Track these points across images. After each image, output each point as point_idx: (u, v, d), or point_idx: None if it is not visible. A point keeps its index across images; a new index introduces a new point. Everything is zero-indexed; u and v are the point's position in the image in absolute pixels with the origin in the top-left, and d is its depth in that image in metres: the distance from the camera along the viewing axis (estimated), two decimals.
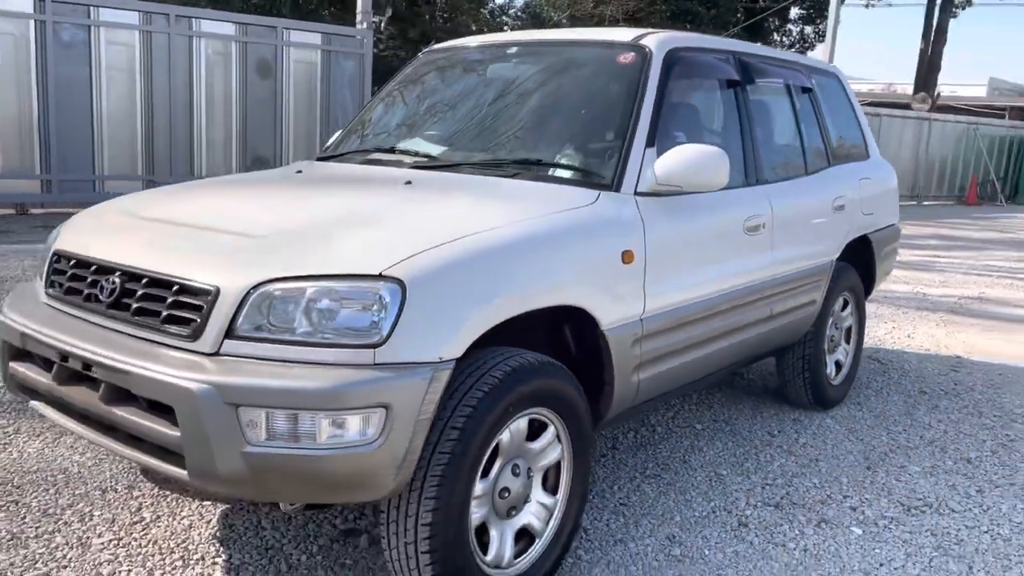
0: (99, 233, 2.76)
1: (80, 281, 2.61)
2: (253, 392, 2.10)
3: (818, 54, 25.16)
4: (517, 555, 2.58)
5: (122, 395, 2.33)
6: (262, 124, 11.84)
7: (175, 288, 2.34)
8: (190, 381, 2.13)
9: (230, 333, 2.21)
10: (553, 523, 2.66)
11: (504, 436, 2.43)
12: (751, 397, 4.81)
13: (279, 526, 3.07)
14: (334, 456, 2.10)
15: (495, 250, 2.40)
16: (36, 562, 2.74)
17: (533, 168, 3.10)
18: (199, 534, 2.99)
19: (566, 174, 3.04)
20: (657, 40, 3.35)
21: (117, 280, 2.46)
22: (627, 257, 2.81)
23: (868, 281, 4.89)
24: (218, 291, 2.24)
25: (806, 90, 4.34)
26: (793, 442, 4.17)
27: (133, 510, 3.14)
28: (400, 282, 2.18)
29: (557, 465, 2.67)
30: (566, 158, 3.11)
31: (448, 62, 3.92)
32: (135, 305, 2.40)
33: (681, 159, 2.95)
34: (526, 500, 2.59)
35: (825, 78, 4.68)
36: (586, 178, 2.99)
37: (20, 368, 2.69)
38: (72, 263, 2.67)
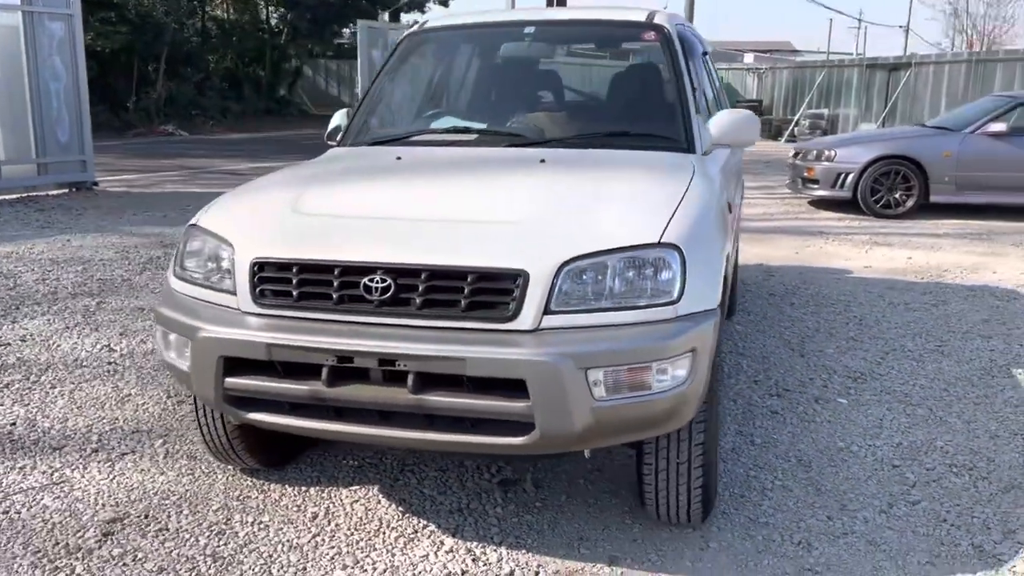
0: (316, 237, 2.75)
1: (322, 285, 2.64)
2: (599, 356, 2.43)
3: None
4: None
5: (432, 382, 2.50)
6: None
7: (471, 277, 2.53)
8: (542, 355, 2.40)
9: (547, 309, 2.50)
10: None
11: None
12: None
13: (442, 488, 3.31)
14: (662, 398, 2.51)
15: (707, 208, 2.88)
16: None
17: (623, 139, 3.56)
18: (388, 514, 3.15)
19: (656, 142, 3.54)
20: (665, 18, 3.93)
21: (388, 279, 2.57)
22: None
23: None
24: (527, 274, 2.50)
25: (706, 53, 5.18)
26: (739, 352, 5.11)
27: (311, 509, 3.18)
28: (676, 246, 2.61)
29: None
30: (651, 128, 3.60)
31: (461, 40, 4.12)
32: (421, 299, 2.54)
33: (729, 122, 3.59)
34: None
35: None
36: (671, 144, 3.52)
37: (243, 382, 2.67)
38: (297, 269, 2.67)
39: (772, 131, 22.85)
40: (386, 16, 29.90)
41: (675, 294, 2.55)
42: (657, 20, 3.90)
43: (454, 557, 2.87)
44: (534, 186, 3.00)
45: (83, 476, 3.43)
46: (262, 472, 3.44)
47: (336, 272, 2.62)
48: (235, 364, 2.67)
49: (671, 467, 2.79)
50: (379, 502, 3.23)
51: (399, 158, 3.43)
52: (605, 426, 2.50)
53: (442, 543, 2.96)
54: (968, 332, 5.50)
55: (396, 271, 2.57)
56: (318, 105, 36.67)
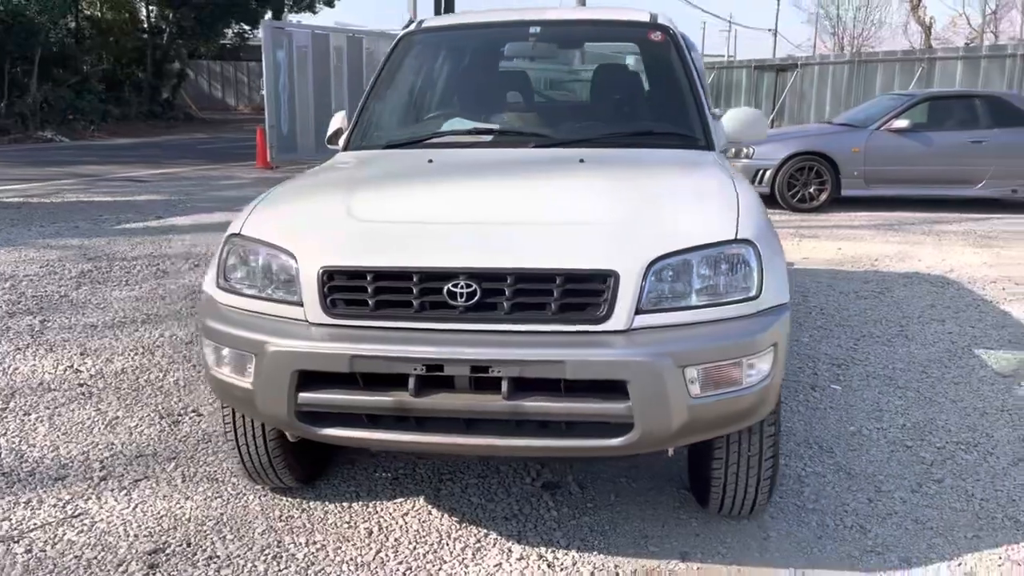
0: (388, 244, 2.63)
1: (401, 293, 2.55)
2: (695, 353, 2.45)
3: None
4: None
5: (526, 387, 2.46)
6: None
7: (560, 280, 2.49)
8: (643, 355, 2.40)
9: (637, 309, 2.49)
10: None
11: None
12: None
13: (488, 495, 3.26)
14: (750, 393, 2.55)
15: (758, 203, 2.93)
16: None
17: (648, 138, 3.59)
18: (444, 525, 3.08)
19: (678, 140, 3.59)
20: (665, 19, 3.99)
21: (473, 284, 2.50)
22: None
23: None
24: (617, 274, 2.49)
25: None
26: None
27: (362, 525, 3.07)
28: (751, 242, 2.65)
29: None
30: (673, 127, 3.64)
31: (463, 40, 4.06)
32: (510, 303, 2.49)
33: (741, 119, 3.68)
34: None
35: None
36: (692, 142, 3.58)
37: (320, 396, 2.55)
38: (372, 277, 2.57)
39: None
40: (268, 15, 29.08)
41: (755, 289, 2.60)
42: (661, 21, 3.95)
43: (528, 564, 2.83)
44: (595, 187, 2.99)
45: (100, 507, 3.20)
46: (294, 491, 3.30)
47: (416, 279, 2.54)
48: (309, 378, 2.55)
49: (742, 460, 2.84)
50: (430, 513, 3.16)
51: (431, 161, 3.35)
52: (698, 423, 2.51)
53: (510, 550, 2.91)
54: (921, 317, 5.82)
55: (480, 276, 2.51)
56: (203, 108, 35.41)
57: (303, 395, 2.56)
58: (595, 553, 2.89)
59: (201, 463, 3.55)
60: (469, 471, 3.46)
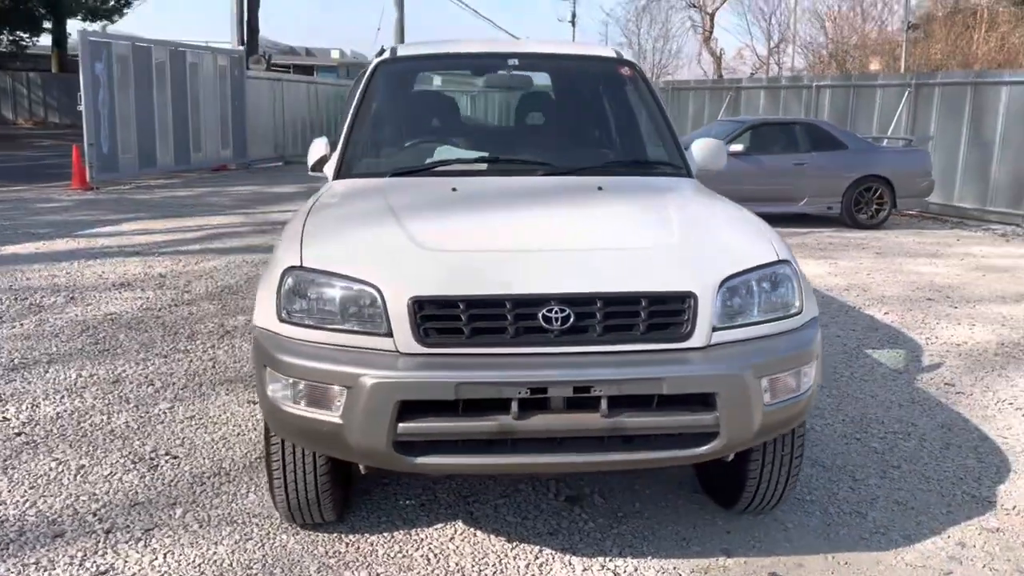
0: (475, 273, 2.68)
1: (495, 319, 2.62)
2: (769, 364, 2.71)
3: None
4: None
5: (622, 404, 2.61)
6: None
7: (645, 302, 2.68)
8: (731, 368, 2.63)
9: (713, 327, 2.72)
10: None
11: None
12: None
13: (522, 513, 3.37)
14: (804, 398, 2.85)
15: (769, 226, 3.26)
16: None
17: (642, 166, 3.84)
18: (495, 545, 3.15)
19: (668, 168, 3.86)
20: (628, 53, 4.28)
21: (566, 309, 2.63)
22: None
23: None
24: (695, 295, 2.71)
25: None
26: None
27: (415, 554, 3.08)
28: (789, 263, 2.96)
29: None
30: (658, 155, 3.91)
31: (442, 69, 4.14)
32: (601, 325, 2.64)
33: (707, 149, 4.01)
34: None
35: None
36: (676, 170, 3.87)
37: (422, 425, 2.58)
38: (465, 306, 2.62)
39: None
40: (82, 24, 26.95)
41: (798, 304, 2.91)
42: (625, 56, 4.23)
43: (595, 574, 2.97)
44: (637, 213, 3.21)
45: (125, 561, 3.01)
46: (325, 527, 3.24)
47: (509, 306, 2.63)
48: (409, 408, 2.57)
49: (776, 459, 3.13)
50: (475, 535, 3.22)
51: (455, 189, 3.41)
52: (767, 428, 2.77)
53: (571, 563, 3.04)
54: None
55: (572, 301, 2.65)
56: None
57: (403, 425, 2.57)
58: (649, 558, 3.08)
59: (208, 506, 3.40)
60: (489, 492, 3.54)
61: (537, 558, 3.07)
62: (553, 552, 3.11)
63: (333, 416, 2.62)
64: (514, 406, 2.56)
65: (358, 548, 3.11)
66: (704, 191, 3.64)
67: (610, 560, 3.06)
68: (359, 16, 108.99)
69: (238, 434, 4.12)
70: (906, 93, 14.44)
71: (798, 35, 28.01)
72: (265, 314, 2.83)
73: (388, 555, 3.07)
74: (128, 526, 3.23)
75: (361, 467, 2.91)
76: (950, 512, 3.48)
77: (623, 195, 3.45)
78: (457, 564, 3.02)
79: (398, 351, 2.63)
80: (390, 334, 2.64)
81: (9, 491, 3.49)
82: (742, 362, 2.66)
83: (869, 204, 11.87)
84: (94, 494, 3.49)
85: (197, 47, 17.90)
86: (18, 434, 4.07)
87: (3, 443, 3.95)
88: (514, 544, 3.16)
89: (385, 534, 3.21)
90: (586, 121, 4.11)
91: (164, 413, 4.36)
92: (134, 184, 15.35)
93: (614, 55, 4.25)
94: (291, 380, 2.67)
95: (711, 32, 31.34)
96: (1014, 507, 3.53)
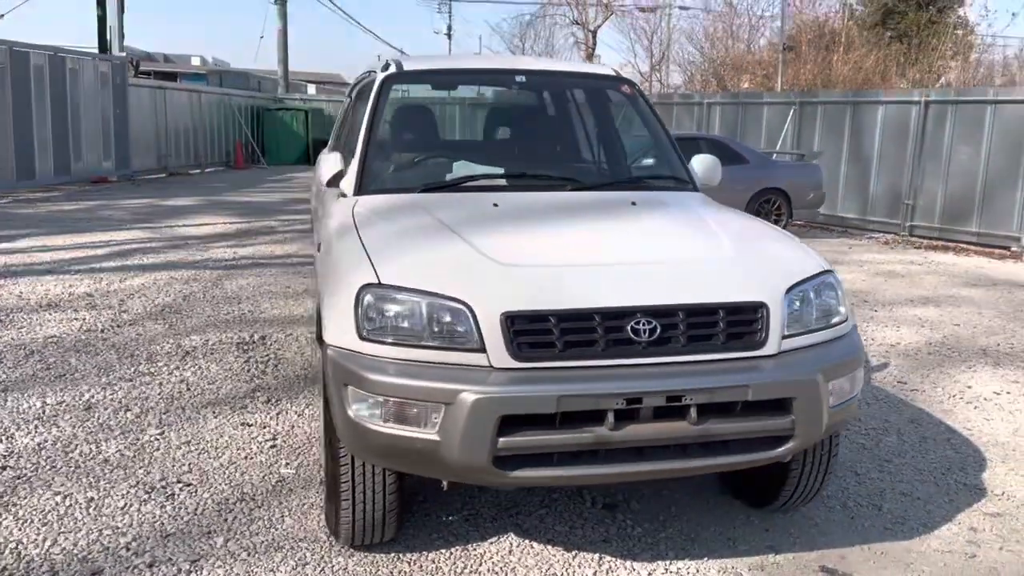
0: (561, 288, 2.71)
1: (585, 332, 2.67)
2: (835, 368, 2.87)
3: None
4: None
5: (713, 411, 2.72)
6: None
7: (723, 312, 2.79)
8: (807, 373, 2.78)
9: (782, 335, 2.87)
10: None
11: None
12: None
13: (569, 523, 3.42)
14: (856, 399, 3.04)
15: None
16: None
17: (658, 180, 3.96)
18: (555, 556, 3.19)
19: (679, 183, 4.00)
20: (626, 73, 4.43)
21: (653, 321, 2.72)
22: None
23: None
24: (766, 305, 2.85)
25: None
26: None
27: (481, 569, 3.08)
28: (832, 272, 3.16)
29: None
30: (668, 170, 4.03)
31: (451, 85, 4.14)
32: (685, 336, 2.74)
33: (706, 164, 4.21)
34: None
35: None
36: (684, 185, 4.02)
37: (522, 439, 2.60)
38: (556, 320, 2.66)
39: None
40: None
41: (843, 312, 3.10)
42: (624, 74, 4.37)
43: None
44: (686, 226, 3.35)
45: None
46: (378, 548, 3.19)
47: (599, 319, 2.69)
48: (508, 422, 2.58)
49: (818, 458, 3.30)
50: (531, 547, 3.25)
51: (496, 205, 3.44)
52: (829, 429, 2.94)
53: (635, 569, 3.12)
54: None
55: (656, 313, 2.74)
56: None
57: (503, 440, 2.58)
58: (705, 559, 3.19)
59: (247, 534, 3.28)
60: (529, 503, 3.57)
61: (601, 565, 3.13)
62: (614, 559, 3.17)
63: (429, 433, 2.60)
64: (610, 417, 2.62)
65: (421, 567, 3.08)
66: (719, 204, 3.81)
67: (671, 563, 3.15)
68: (221, 22, 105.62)
69: (246, 458, 3.98)
70: (791, 111, 15.32)
71: (676, 54, 29.27)
72: (340, 333, 2.78)
73: (454, 572, 3.05)
74: (171, 559, 3.08)
75: (444, 484, 2.89)
76: (952, 501, 3.76)
77: (656, 209, 3.57)
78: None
79: (491, 366, 2.64)
80: (483, 349, 2.64)
81: (20, 529, 3.25)
82: (813, 367, 2.81)
83: (768, 215, 12.51)
84: (117, 527, 3.30)
85: (78, 52, 16.93)
86: (3, 468, 3.78)
87: None
88: (573, 553, 3.20)
89: (442, 551, 3.19)
90: (595, 136, 4.21)
91: (156, 440, 4.15)
92: (11, 198, 14.36)
93: (613, 73, 4.38)
94: (380, 398, 2.63)
95: (594, 49, 32.26)
96: (1003, 493, 3.85)
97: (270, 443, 4.15)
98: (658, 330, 2.72)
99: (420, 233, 3.11)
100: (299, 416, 4.52)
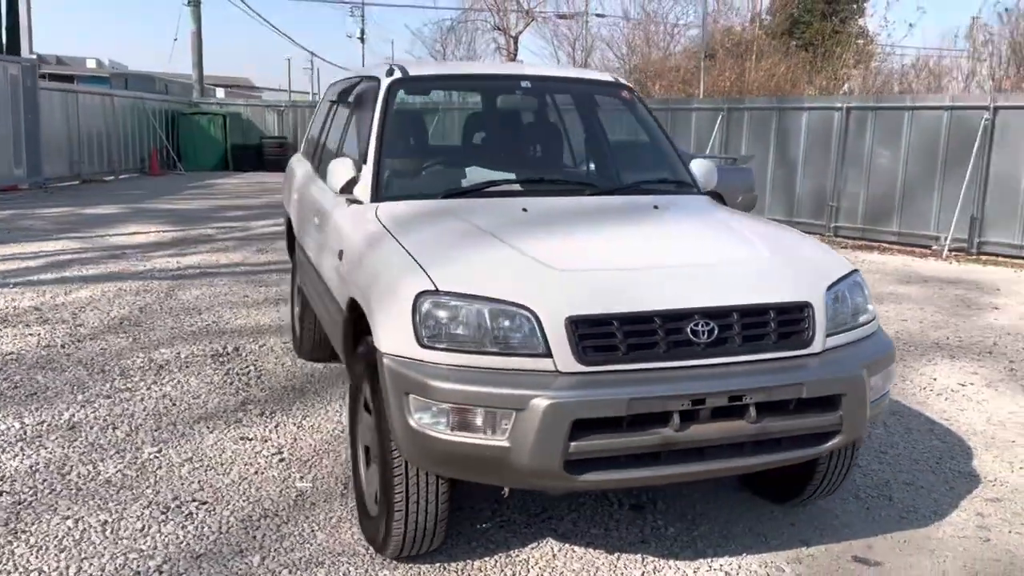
0: (619, 292, 2.72)
1: (646, 335, 2.70)
2: (876, 364, 2.98)
3: None
4: None
5: (769, 409, 2.79)
6: None
7: (773, 312, 2.86)
8: (854, 370, 2.87)
9: (826, 333, 2.96)
10: None
11: None
12: None
13: (604, 526, 3.45)
14: (888, 393, 3.16)
15: None
16: None
17: (666, 184, 4.02)
18: (599, 559, 3.21)
19: (685, 187, 4.07)
20: (624, 80, 4.49)
21: (711, 322, 2.77)
22: None
23: None
24: (811, 304, 2.93)
25: None
26: None
27: (539, 572, 3.07)
28: (859, 272, 3.27)
29: None
30: (675, 174, 4.09)
31: (457, 90, 4.12)
32: (740, 336, 2.80)
33: (704, 168, 4.30)
34: None
35: None
36: (689, 188, 4.09)
37: (593, 443, 2.61)
38: (619, 324, 2.68)
39: None
40: None
41: (871, 309, 3.22)
42: (622, 80, 4.43)
43: (709, 573, 3.11)
44: (715, 230, 3.42)
45: None
46: (420, 558, 3.15)
47: (659, 321, 2.73)
48: (579, 427, 2.59)
49: (842, 454, 3.41)
50: (573, 551, 3.26)
51: (525, 210, 3.43)
52: (869, 423, 3.05)
53: (680, 568, 3.16)
54: None
55: (710, 314, 2.79)
56: None
57: (575, 444, 2.58)
58: (744, 555, 3.26)
59: (283, 551, 3.19)
60: (556, 508, 3.57)
61: (646, 565, 3.16)
62: (656, 558, 3.21)
63: (498, 440, 2.59)
64: (675, 418, 2.65)
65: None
66: (729, 208, 3.90)
67: (712, 560, 3.21)
68: (118, 23, 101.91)
69: (256, 472, 3.86)
70: (719, 116, 15.74)
71: (598, 61, 29.71)
72: (396, 341, 2.73)
73: None
74: None
75: (506, 491, 2.86)
76: (953, 489, 3.94)
77: (679, 213, 3.63)
78: None
79: (558, 371, 2.64)
80: (548, 354, 2.64)
81: (37, 557, 3.09)
82: (858, 364, 2.91)
83: None
84: (142, 550, 3.16)
85: None
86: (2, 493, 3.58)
87: None
88: (616, 555, 3.23)
89: (485, 559, 3.17)
90: (603, 142, 4.25)
91: (155, 458, 3.99)
92: None
93: (612, 80, 4.43)
94: (445, 406, 2.60)
95: (515, 54, 32.40)
96: (995, 480, 4.06)
97: (277, 457, 4.04)
98: (716, 331, 2.76)
99: (463, 239, 3.09)
100: (299, 428, 4.41)
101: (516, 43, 32.62)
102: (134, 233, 11.37)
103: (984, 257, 11.59)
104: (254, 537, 3.28)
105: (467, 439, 2.61)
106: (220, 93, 43.55)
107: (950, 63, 28.40)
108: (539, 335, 2.65)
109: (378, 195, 3.62)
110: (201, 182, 20.74)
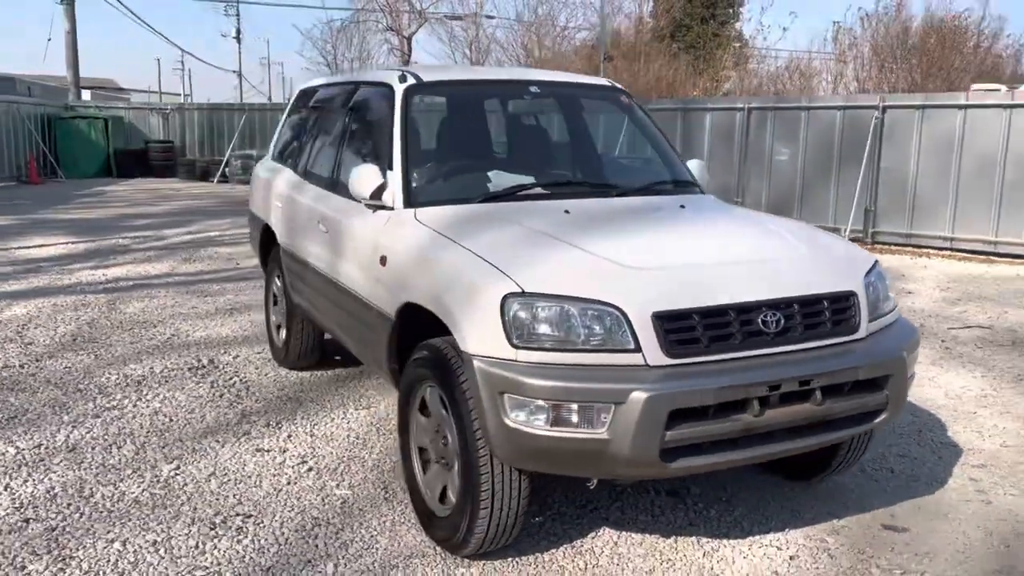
0: (695, 287, 2.87)
1: (722, 327, 2.87)
2: (910, 346, 3.25)
3: None
4: None
5: (830, 392, 3.00)
6: None
7: (826, 302, 3.08)
8: (899, 353, 3.13)
9: (868, 319, 3.21)
10: None
11: None
12: None
13: (648, 511, 3.60)
14: (913, 372, 3.44)
15: None
16: None
17: (676, 185, 4.20)
18: (658, 545, 3.36)
19: (692, 187, 4.26)
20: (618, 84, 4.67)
21: (777, 313, 2.96)
22: None
23: None
24: (856, 294, 3.17)
25: None
26: None
27: (587, 564, 3.18)
28: (879, 261, 3.55)
29: None
30: (681, 175, 4.27)
31: (468, 96, 4.16)
32: (801, 325, 3.00)
33: (700, 168, 4.53)
34: None
35: None
36: (694, 188, 4.28)
37: (686, 431, 2.75)
38: (699, 317, 2.83)
39: (199, 172, 22.71)
40: None
41: (892, 296, 3.49)
42: (618, 86, 4.60)
43: (764, 550, 3.31)
44: (748, 227, 3.61)
45: None
46: (489, 556, 3.21)
47: (733, 314, 2.90)
48: (673, 416, 2.73)
49: (856, 448, 3.67)
50: (631, 537, 3.39)
51: (567, 212, 3.53)
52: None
53: (735, 546, 3.35)
54: None
55: (775, 305, 2.98)
56: None
57: (670, 433, 2.72)
58: (788, 530, 3.48)
59: (352, 557, 3.20)
60: (599, 499, 3.70)
61: (703, 546, 3.33)
62: (710, 539, 3.39)
63: (598, 432, 2.69)
64: (755, 404, 2.83)
65: (547, 568, 3.14)
66: (741, 207, 4.13)
67: (762, 537, 3.41)
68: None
69: (290, 482, 3.82)
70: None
71: (496, 63, 29.93)
72: (486, 342, 2.80)
73: (579, 569, 3.14)
74: None
75: (593, 483, 2.97)
76: (941, 458, 4.30)
77: (706, 212, 3.83)
78: (646, 564, 3.18)
79: (648, 364, 2.77)
80: (637, 349, 2.77)
81: (97, 573, 2.98)
82: (899, 346, 3.17)
83: None
84: (207, 567, 3.10)
85: None
86: (26, 521, 3.41)
87: (19, 534, 3.30)
88: (672, 538, 3.39)
89: (552, 551, 3.27)
90: (607, 144, 4.39)
91: (177, 475, 3.89)
92: None
93: (609, 84, 4.59)
94: (543, 403, 2.69)
95: (410, 56, 32.21)
96: (973, 448, 4.45)
97: (304, 466, 4.00)
98: (782, 321, 2.96)
99: (527, 241, 3.17)
100: (312, 438, 4.37)
101: (410, 44, 32.46)
102: (41, 246, 10.77)
103: (879, 246, 12.39)
104: (316, 546, 3.26)
105: (566, 434, 2.70)
106: (86, 95, 41.41)
107: (819, 65, 30.04)
108: (628, 331, 2.77)
109: (410, 201, 3.65)
110: (88, 190, 19.71)
